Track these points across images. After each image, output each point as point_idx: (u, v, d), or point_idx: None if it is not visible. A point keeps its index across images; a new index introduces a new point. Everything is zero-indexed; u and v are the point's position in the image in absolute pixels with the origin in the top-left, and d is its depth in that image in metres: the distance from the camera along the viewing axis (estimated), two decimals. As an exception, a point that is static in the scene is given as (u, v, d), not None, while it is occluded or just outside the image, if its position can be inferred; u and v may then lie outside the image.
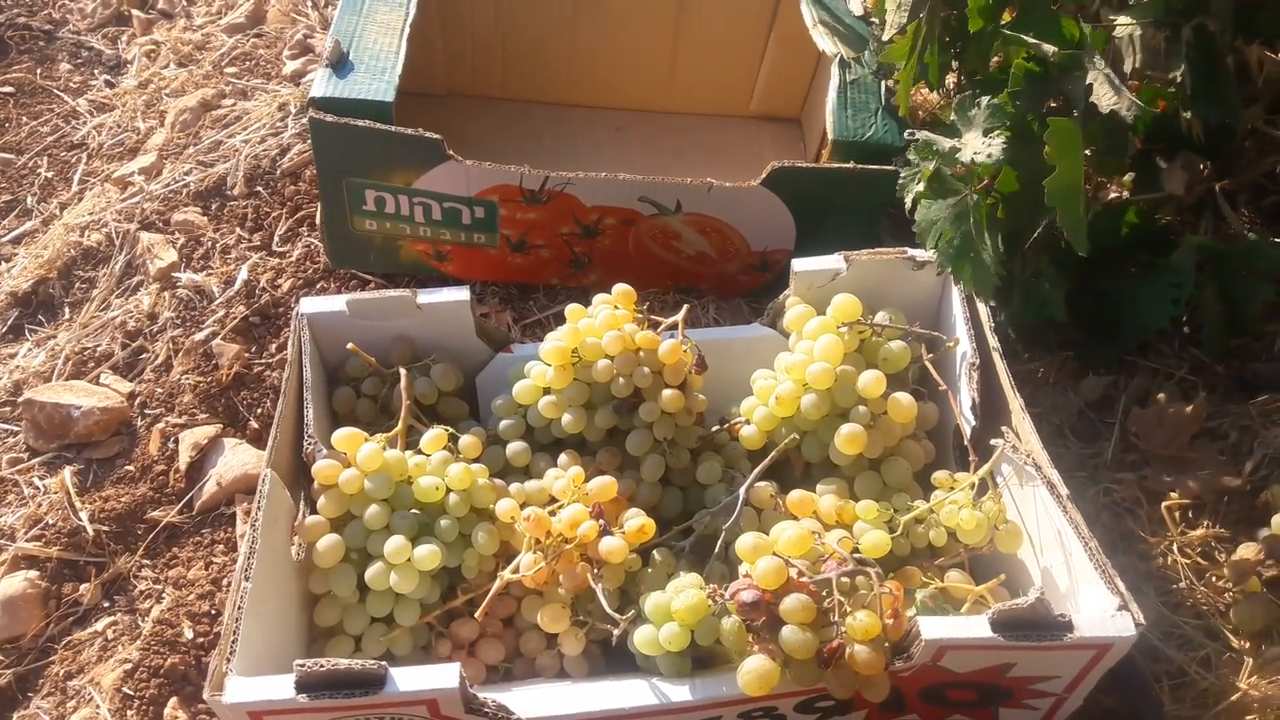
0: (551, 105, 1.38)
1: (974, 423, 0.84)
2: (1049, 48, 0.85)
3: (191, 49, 1.66)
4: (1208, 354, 1.07)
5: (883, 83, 1.08)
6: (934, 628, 0.69)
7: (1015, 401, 0.83)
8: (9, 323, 1.31)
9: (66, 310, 1.30)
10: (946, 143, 0.81)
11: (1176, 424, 1.03)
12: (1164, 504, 0.99)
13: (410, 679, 0.67)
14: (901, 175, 0.89)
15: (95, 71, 1.70)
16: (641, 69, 1.34)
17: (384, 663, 0.67)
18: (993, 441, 0.81)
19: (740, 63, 1.34)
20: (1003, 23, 0.94)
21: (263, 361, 1.15)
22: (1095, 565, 0.72)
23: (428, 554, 0.79)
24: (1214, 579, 0.94)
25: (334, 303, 0.92)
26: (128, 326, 1.22)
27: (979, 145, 0.78)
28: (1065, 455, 1.03)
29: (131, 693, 0.91)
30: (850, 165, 1.01)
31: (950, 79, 1.11)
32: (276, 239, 1.28)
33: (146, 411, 1.13)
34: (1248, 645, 0.90)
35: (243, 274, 1.22)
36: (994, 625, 0.69)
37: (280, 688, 0.67)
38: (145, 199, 1.36)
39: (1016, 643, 0.69)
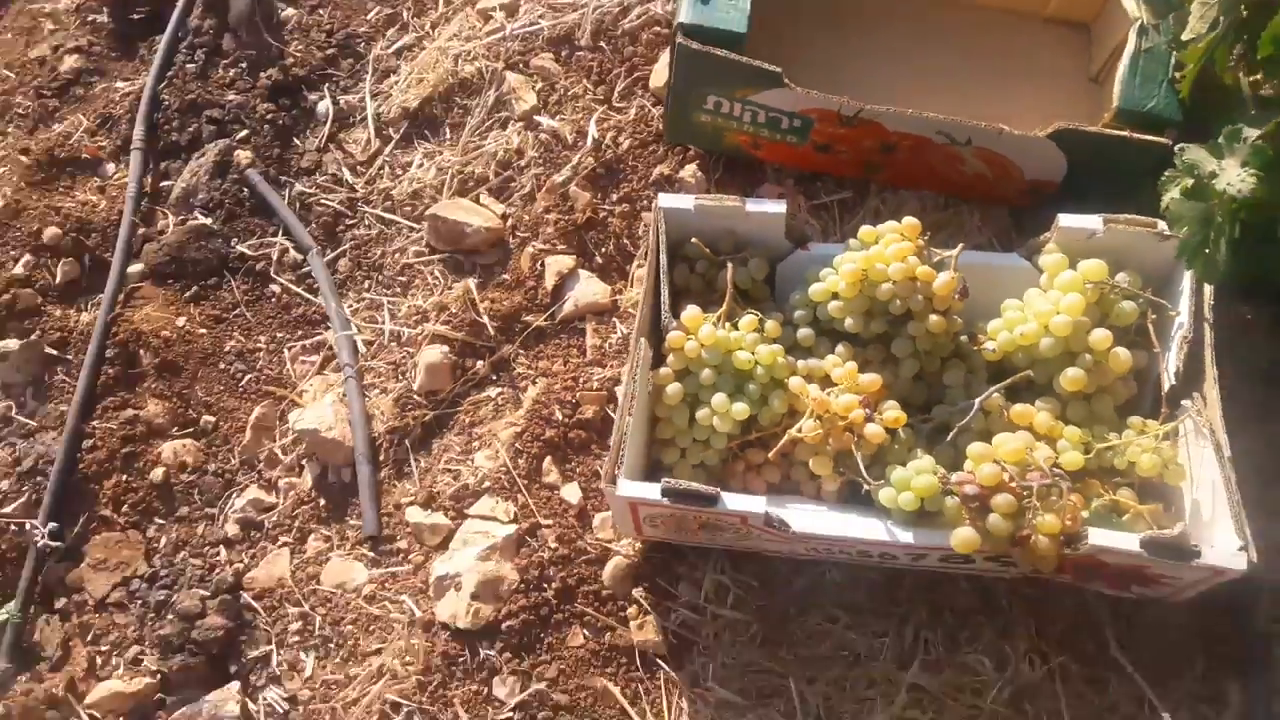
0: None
1: (1173, 382, 1.07)
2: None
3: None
4: None
5: (1173, 53, 1.19)
6: (1099, 537, 0.98)
7: (1210, 372, 1.05)
8: (401, 132, 1.67)
9: (447, 131, 1.64)
10: (1208, 166, 0.97)
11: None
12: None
13: (733, 502, 1.04)
14: (1164, 176, 1.05)
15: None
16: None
17: (717, 488, 1.04)
18: (1183, 403, 1.05)
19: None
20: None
21: (606, 208, 1.47)
22: (1232, 512, 0.98)
23: (741, 409, 1.13)
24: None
25: (685, 200, 1.21)
26: (499, 157, 1.56)
27: (1234, 177, 0.95)
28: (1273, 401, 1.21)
29: (520, 448, 1.33)
30: (1127, 134, 1.17)
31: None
32: (616, 95, 1.55)
33: (517, 234, 1.49)
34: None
35: (591, 129, 1.51)
36: (1143, 544, 0.97)
37: (653, 492, 1.05)
38: (506, 39, 1.64)
39: (1156, 558, 0.97)
